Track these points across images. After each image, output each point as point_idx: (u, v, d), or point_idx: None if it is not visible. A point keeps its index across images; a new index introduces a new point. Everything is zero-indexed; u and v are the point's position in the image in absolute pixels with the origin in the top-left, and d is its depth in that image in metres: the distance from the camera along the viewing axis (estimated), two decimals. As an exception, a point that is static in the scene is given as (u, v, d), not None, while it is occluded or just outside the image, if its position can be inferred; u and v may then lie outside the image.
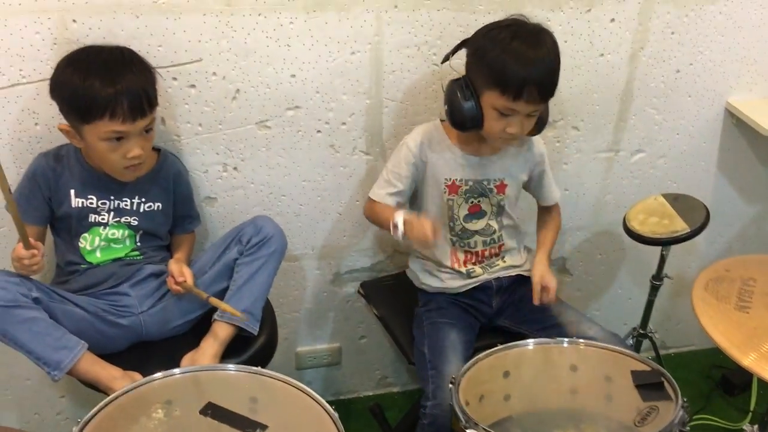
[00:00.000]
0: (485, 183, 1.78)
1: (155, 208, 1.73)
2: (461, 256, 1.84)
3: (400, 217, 1.63)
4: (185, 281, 1.67)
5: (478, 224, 1.81)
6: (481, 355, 1.56)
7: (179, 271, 1.68)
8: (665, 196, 2.01)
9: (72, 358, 1.54)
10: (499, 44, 1.61)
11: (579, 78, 1.99)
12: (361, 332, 2.29)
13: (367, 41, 1.81)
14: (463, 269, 1.84)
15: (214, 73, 1.77)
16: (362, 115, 1.91)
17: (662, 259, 2.01)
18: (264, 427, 1.36)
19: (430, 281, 1.87)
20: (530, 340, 1.60)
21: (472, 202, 1.79)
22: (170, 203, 1.76)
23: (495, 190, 1.79)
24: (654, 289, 2.07)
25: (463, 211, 1.79)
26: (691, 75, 2.05)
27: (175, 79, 1.76)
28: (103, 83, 1.51)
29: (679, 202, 1.98)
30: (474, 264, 1.85)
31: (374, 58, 1.84)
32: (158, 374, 1.43)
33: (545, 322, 1.81)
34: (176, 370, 1.45)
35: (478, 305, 1.86)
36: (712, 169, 2.23)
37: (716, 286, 1.43)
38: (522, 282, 1.88)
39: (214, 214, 1.97)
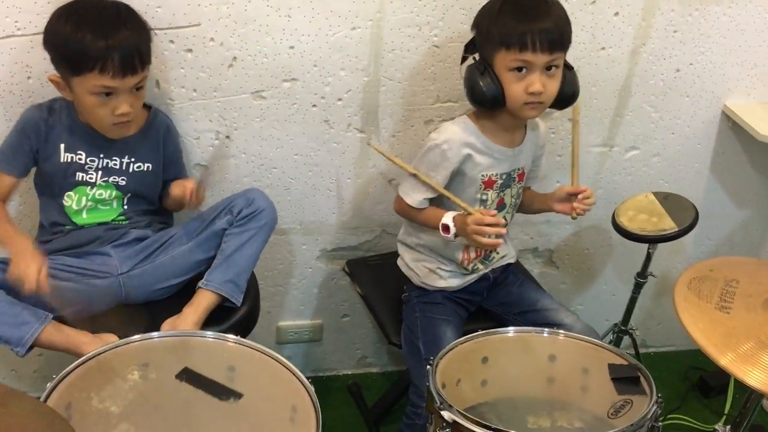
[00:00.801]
0: (512, 173, 1.77)
1: (145, 169, 1.72)
2: (472, 254, 1.82)
3: (450, 220, 1.67)
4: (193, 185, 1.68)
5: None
6: (461, 339, 1.56)
7: (181, 186, 1.69)
8: (656, 194, 2.01)
9: (32, 332, 1.53)
10: (496, 7, 1.62)
11: (579, 71, 1.94)
12: (344, 311, 2.29)
13: (368, 17, 1.80)
14: (470, 267, 1.83)
15: (212, 39, 1.76)
16: (359, 92, 1.90)
17: (648, 257, 2.01)
18: (239, 395, 1.36)
19: (430, 280, 1.83)
20: (510, 328, 1.61)
21: (501, 195, 1.78)
22: (160, 163, 1.75)
23: (517, 179, 1.79)
24: (638, 287, 2.07)
25: (493, 206, 1.77)
26: (691, 75, 2.05)
27: (172, 42, 1.74)
28: (95, 36, 1.50)
29: (669, 201, 1.98)
30: (478, 260, 1.84)
31: (375, 35, 1.83)
32: (136, 337, 1.42)
33: (523, 307, 1.82)
34: (154, 334, 1.44)
35: (472, 297, 1.86)
36: (704, 171, 2.23)
37: (699, 285, 1.43)
38: (509, 269, 1.90)
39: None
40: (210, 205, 1.80)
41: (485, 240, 1.62)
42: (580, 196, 1.74)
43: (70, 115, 1.65)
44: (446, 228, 1.67)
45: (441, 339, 1.74)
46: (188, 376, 1.39)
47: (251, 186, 1.94)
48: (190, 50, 1.76)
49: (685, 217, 1.91)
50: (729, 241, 2.39)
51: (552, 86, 1.64)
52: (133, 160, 1.70)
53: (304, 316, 2.28)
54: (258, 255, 1.74)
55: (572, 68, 1.70)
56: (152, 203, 1.79)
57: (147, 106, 1.73)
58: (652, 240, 1.91)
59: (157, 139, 1.73)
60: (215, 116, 1.86)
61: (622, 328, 2.15)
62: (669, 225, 1.90)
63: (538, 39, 1.57)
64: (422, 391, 1.63)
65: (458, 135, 1.70)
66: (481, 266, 1.85)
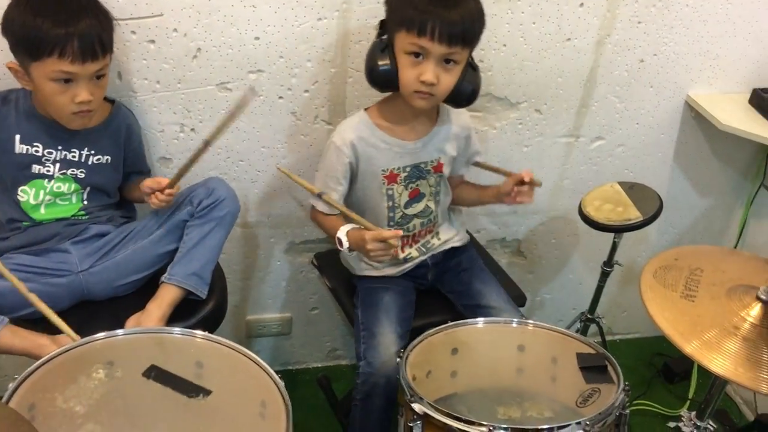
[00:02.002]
0: (422, 166, 1.75)
1: (104, 161, 1.68)
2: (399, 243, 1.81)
3: (343, 234, 1.65)
4: (164, 182, 1.63)
5: (417, 207, 1.79)
6: (431, 330, 1.57)
7: (154, 180, 1.64)
8: (621, 184, 2.03)
9: None
10: None
11: (545, 61, 1.98)
12: (313, 303, 2.28)
13: (334, 8, 1.78)
14: (401, 255, 1.82)
15: (175, 30, 1.72)
16: (326, 83, 1.88)
17: (614, 246, 2.04)
18: (208, 392, 1.34)
19: (367, 272, 1.84)
20: (480, 319, 1.62)
21: (411, 188, 1.76)
22: (120, 157, 1.71)
23: (432, 171, 1.77)
24: (604, 276, 2.10)
25: (404, 198, 1.77)
26: (655, 65, 2.07)
27: (133, 32, 1.70)
28: (55, 21, 1.46)
29: (634, 190, 2.01)
30: (411, 247, 1.83)
31: (341, 26, 1.81)
32: (100, 335, 1.39)
33: (470, 300, 1.82)
34: (119, 331, 1.42)
35: (414, 280, 1.87)
36: (668, 161, 2.27)
37: (664, 273, 1.45)
38: (454, 253, 1.90)
39: (168, 175, 1.91)
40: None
41: (381, 257, 1.60)
42: (525, 179, 1.72)
43: (27, 106, 1.61)
44: (340, 242, 1.66)
45: (378, 303, 1.75)
46: (155, 373, 1.36)
47: (217, 179, 1.91)
48: (152, 41, 1.73)
49: (650, 206, 1.94)
50: (692, 229, 2.43)
51: (447, 80, 1.59)
52: (93, 152, 1.66)
53: (273, 309, 2.26)
54: (221, 246, 1.71)
55: (477, 68, 1.66)
56: (112, 197, 1.75)
57: (110, 101, 1.70)
58: (618, 229, 1.93)
59: (119, 133, 1.70)
60: (179, 108, 1.83)
61: (589, 316, 2.17)
62: (634, 214, 1.92)
63: (438, 27, 1.51)
64: (360, 353, 1.69)
65: (351, 131, 1.70)
66: (416, 253, 1.83)
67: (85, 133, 1.64)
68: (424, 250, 1.85)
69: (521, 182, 1.73)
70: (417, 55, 1.56)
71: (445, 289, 1.88)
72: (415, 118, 1.72)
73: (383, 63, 1.60)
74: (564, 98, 2.07)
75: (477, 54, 1.90)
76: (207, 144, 1.57)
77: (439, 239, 1.87)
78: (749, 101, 2.12)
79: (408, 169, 1.74)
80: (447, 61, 1.57)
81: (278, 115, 1.90)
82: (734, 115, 2.06)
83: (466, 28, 1.55)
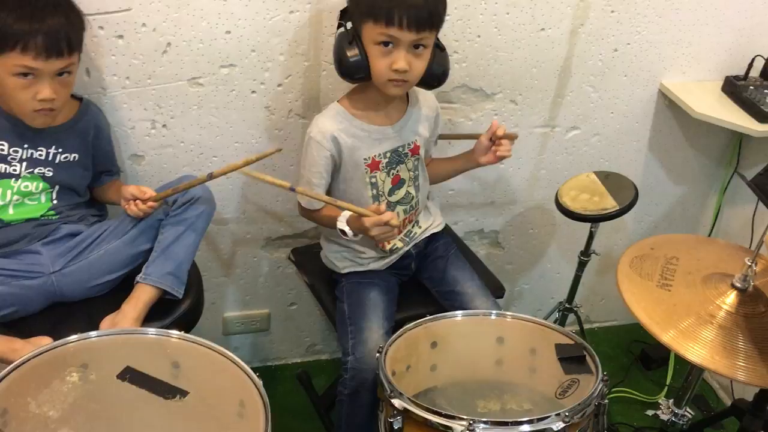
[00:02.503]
0: (401, 149, 1.75)
1: (71, 159, 1.65)
2: None
3: (344, 225, 1.64)
4: (150, 195, 1.61)
5: (399, 194, 1.79)
6: (409, 325, 1.56)
7: (139, 189, 1.61)
8: (597, 173, 2.04)
9: None
10: None
11: (519, 51, 1.98)
12: (291, 299, 2.27)
13: (306, 0, 1.76)
14: (387, 248, 1.81)
15: (144, 24, 1.69)
16: (299, 77, 1.86)
17: (591, 236, 2.04)
18: (185, 393, 1.33)
19: (351, 268, 1.83)
20: (458, 312, 1.61)
21: (393, 174, 1.76)
22: (89, 156, 1.68)
23: (410, 154, 1.76)
24: (581, 265, 2.11)
25: (387, 185, 1.76)
26: (628, 54, 2.07)
27: (101, 28, 1.67)
28: (20, 15, 1.43)
29: (609, 180, 2.01)
30: (396, 237, 1.81)
31: (314, 19, 1.79)
32: (73, 337, 1.37)
33: (445, 286, 1.83)
34: (92, 333, 1.39)
35: (400, 272, 1.86)
36: (643, 149, 2.28)
37: (640, 263, 1.46)
38: (434, 239, 1.90)
39: (141, 173, 1.89)
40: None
41: (387, 238, 1.67)
42: (498, 133, 1.73)
43: None
44: (343, 232, 1.65)
45: (365, 299, 1.75)
46: (130, 375, 1.34)
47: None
48: (121, 36, 1.69)
49: (626, 195, 1.95)
50: (668, 217, 2.45)
51: (418, 65, 1.59)
52: (60, 150, 1.63)
53: (251, 306, 2.24)
54: (197, 244, 1.69)
55: (444, 49, 1.66)
56: (82, 195, 1.72)
57: (78, 98, 1.67)
58: (594, 219, 1.94)
59: (87, 131, 1.66)
60: (150, 105, 1.80)
61: (567, 306, 2.18)
62: (610, 204, 1.93)
63: (405, 15, 1.51)
64: (347, 348, 1.69)
65: (330, 124, 1.68)
66: (400, 244, 1.83)
67: (52, 131, 1.60)
68: (407, 239, 1.84)
69: (496, 139, 1.74)
70: (386, 44, 1.55)
71: (423, 276, 1.89)
72: (388, 104, 1.71)
73: (353, 54, 1.58)
74: (539, 88, 2.06)
75: (451, 45, 1.91)
76: (211, 177, 1.59)
77: (419, 227, 1.87)
78: (722, 89, 2.13)
79: (388, 155, 1.73)
80: (416, 46, 1.57)
81: (251, 109, 1.87)
82: (707, 102, 2.07)
83: (432, 12, 1.55)
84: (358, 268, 1.82)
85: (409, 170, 1.78)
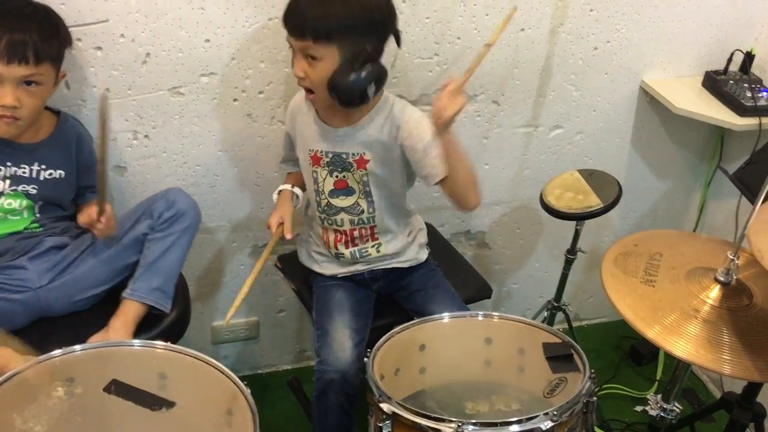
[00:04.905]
0: (344, 156, 1.69)
1: (57, 176, 1.64)
2: (331, 236, 1.79)
3: (275, 194, 1.82)
4: (93, 213, 1.57)
5: (345, 201, 1.74)
6: (397, 329, 1.56)
7: (86, 214, 1.59)
8: (581, 171, 2.04)
9: None
10: None
11: (500, 52, 1.98)
12: (280, 306, 2.26)
13: (285, 7, 1.75)
14: (333, 250, 1.80)
15: (122, 35, 1.69)
16: (281, 83, 1.86)
17: (576, 234, 2.05)
18: (171, 404, 1.32)
19: (310, 264, 1.87)
20: (446, 314, 1.61)
21: (336, 176, 1.72)
22: (73, 170, 1.67)
23: (355, 165, 1.69)
24: (568, 263, 2.11)
25: (329, 186, 1.73)
26: (608, 52, 2.08)
27: (79, 40, 1.66)
28: None
29: (593, 177, 2.02)
30: (345, 246, 1.79)
31: (293, 25, 1.78)
32: (57, 351, 1.36)
33: (414, 306, 1.80)
34: (77, 347, 1.38)
35: (363, 284, 1.84)
36: (626, 146, 2.29)
37: (625, 260, 1.46)
38: (402, 273, 1.83)
39: (124, 184, 1.88)
40: (128, 209, 1.73)
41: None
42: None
43: None
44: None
45: (330, 300, 1.77)
46: (117, 387, 1.34)
47: (175, 186, 1.88)
48: (99, 48, 1.69)
49: (610, 192, 1.95)
50: (653, 212, 2.46)
51: (313, 74, 1.55)
52: (43, 167, 1.62)
53: (239, 314, 2.21)
54: (183, 259, 1.69)
55: (372, 64, 1.54)
56: (67, 209, 1.71)
57: (56, 112, 1.66)
58: (579, 217, 1.94)
59: (69, 146, 1.65)
60: (131, 115, 1.79)
61: (555, 304, 2.19)
62: (594, 201, 1.93)
63: (290, 20, 1.54)
64: (316, 351, 1.70)
65: (294, 103, 1.77)
66: (348, 256, 1.78)
67: (33, 147, 1.60)
68: (358, 256, 1.79)
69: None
70: (293, 50, 1.59)
71: (409, 306, 1.83)
72: (343, 108, 1.64)
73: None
74: (521, 89, 2.07)
75: (431, 47, 1.91)
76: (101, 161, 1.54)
77: (378, 252, 1.79)
78: (702, 84, 2.15)
79: (330, 155, 1.70)
80: (309, 56, 1.54)
81: (233, 117, 1.87)
82: (688, 98, 2.08)
83: (314, 24, 1.50)
84: (313, 264, 1.85)
85: (357, 182, 1.72)
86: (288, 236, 1.74)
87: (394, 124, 1.66)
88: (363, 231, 1.78)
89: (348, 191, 1.73)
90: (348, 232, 1.77)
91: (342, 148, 1.69)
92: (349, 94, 1.55)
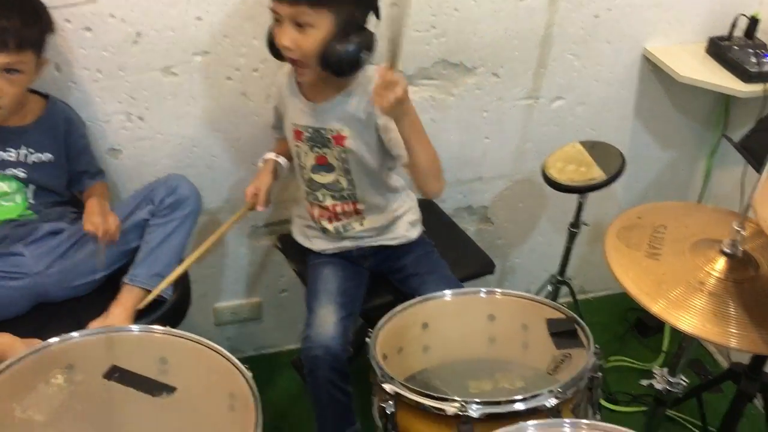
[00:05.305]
0: (323, 132, 1.66)
1: (45, 160, 1.62)
2: (316, 211, 1.78)
3: (260, 161, 1.80)
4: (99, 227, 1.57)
5: (326, 177, 1.72)
6: (398, 307, 1.54)
7: (92, 225, 1.58)
8: (583, 143, 2.01)
9: None
10: None
11: (499, 23, 1.94)
12: (282, 286, 2.25)
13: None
14: (318, 225, 1.79)
15: (112, 15, 1.65)
16: (275, 61, 1.80)
17: (579, 207, 2.02)
18: (172, 389, 1.31)
19: (302, 240, 1.85)
20: (448, 291, 1.59)
21: (317, 152, 1.69)
22: (62, 154, 1.65)
23: (333, 141, 1.66)
24: (572, 237, 2.09)
25: (310, 161, 1.71)
26: (610, 20, 2.03)
27: (68, 21, 1.63)
28: None
29: (596, 149, 1.99)
30: (328, 221, 1.77)
31: (286, 0, 1.75)
32: (55, 339, 1.35)
33: (410, 290, 1.75)
34: (75, 333, 1.37)
35: (355, 261, 1.82)
36: (629, 116, 2.25)
37: (628, 233, 1.43)
38: (394, 253, 1.81)
39: (119, 167, 1.86)
40: (124, 192, 1.72)
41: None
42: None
43: None
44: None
45: (317, 279, 1.76)
46: (117, 374, 1.33)
47: (171, 168, 1.86)
48: (89, 29, 1.65)
49: (613, 164, 1.92)
50: (657, 182, 2.43)
51: (304, 44, 1.49)
52: (31, 151, 1.60)
53: (241, 295, 2.22)
54: (185, 245, 1.68)
55: (361, 32, 1.51)
56: (61, 195, 1.69)
57: (44, 96, 1.63)
58: (582, 190, 1.92)
59: (57, 130, 1.63)
60: (124, 97, 1.76)
61: (559, 278, 2.16)
62: (597, 174, 1.90)
63: None
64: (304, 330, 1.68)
65: (282, 79, 1.72)
66: (332, 231, 1.77)
67: (20, 131, 1.57)
68: (342, 231, 1.78)
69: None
70: (277, 20, 1.52)
71: (404, 289, 1.81)
72: (324, 82, 1.62)
73: (269, 35, 1.57)
74: (521, 60, 2.03)
75: (428, 20, 1.87)
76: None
77: (362, 225, 1.77)
78: (706, 50, 2.10)
79: (310, 131, 1.68)
80: (300, 24, 1.49)
81: (228, 97, 1.84)
82: (692, 65, 2.04)
83: None
84: (305, 241, 1.84)
85: (336, 159, 1.69)
86: (260, 208, 1.72)
87: (371, 101, 1.60)
88: (345, 207, 1.76)
89: (328, 168, 1.71)
90: (330, 207, 1.76)
91: (321, 124, 1.66)
92: (347, 63, 1.52)
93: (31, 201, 1.62)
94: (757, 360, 1.65)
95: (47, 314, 1.61)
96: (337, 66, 1.52)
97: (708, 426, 1.97)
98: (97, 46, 1.68)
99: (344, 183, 1.72)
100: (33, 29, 1.49)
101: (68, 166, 1.68)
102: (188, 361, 1.38)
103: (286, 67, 1.68)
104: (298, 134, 1.69)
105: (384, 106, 1.43)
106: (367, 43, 1.52)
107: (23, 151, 1.59)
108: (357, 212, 1.77)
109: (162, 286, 1.61)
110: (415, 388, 1.32)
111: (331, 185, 1.72)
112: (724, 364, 2.36)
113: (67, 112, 1.66)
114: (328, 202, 1.75)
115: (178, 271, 1.64)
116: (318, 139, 1.68)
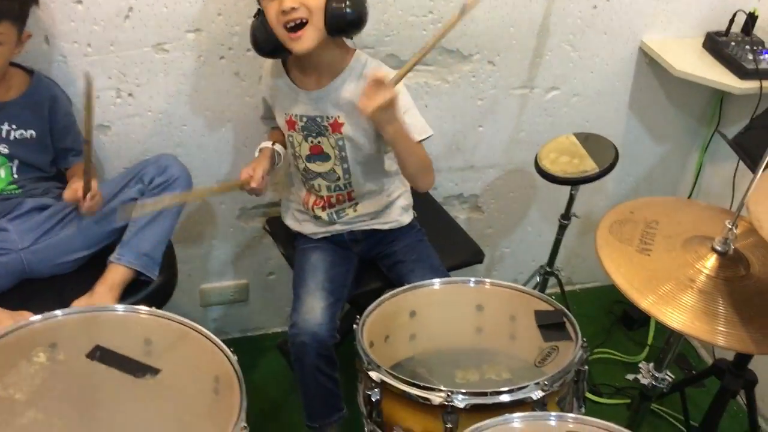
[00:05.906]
0: (319, 120, 1.65)
1: (28, 136, 1.59)
2: (311, 199, 1.77)
3: (257, 152, 1.74)
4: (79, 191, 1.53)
5: (322, 167, 1.71)
6: (386, 295, 1.53)
7: (71, 191, 1.54)
8: (576, 135, 2.00)
9: None
10: None
11: (496, 11, 1.92)
12: (270, 268, 2.23)
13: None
14: (311, 213, 1.78)
15: (103, -12, 1.62)
16: (269, 41, 1.80)
17: (571, 199, 2.01)
18: (156, 371, 1.30)
19: (291, 224, 1.84)
20: (436, 280, 1.58)
21: (312, 142, 1.68)
22: (46, 131, 1.62)
23: (330, 129, 1.65)
24: (562, 228, 2.08)
25: (305, 150, 1.70)
26: (608, 11, 2.02)
27: (58, -8, 1.60)
28: None
29: (589, 141, 1.98)
30: (322, 209, 1.76)
31: (282, -20, 1.72)
32: (38, 316, 1.33)
33: (398, 278, 1.75)
34: (58, 312, 1.35)
35: (344, 246, 1.81)
36: (623, 109, 2.24)
37: (620, 228, 1.43)
38: (385, 238, 1.80)
39: (108, 144, 1.84)
40: (118, 173, 1.69)
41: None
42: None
43: None
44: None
45: (305, 264, 1.75)
46: (101, 354, 1.31)
47: (160, 146, 1.84)
48: (79, 1, 1.62)
49: (606, 157, 1.91)
50: (649, 177, 2.42)
51: (311, 1, 1.46)
52: (13, 127, 1.57)
53: (228, 276, 2.20)
54: (174, 226, 1.66)
55: None
56: (46, 170, 1.67)
57: (29, 72, 1.60)
58: (574, 182, 1.91)
59: (41, 106, 1.60)
60: (114, 72, 1.73)
61: (548, 269, 2.16)
62: (590, 166, 1.90)
63: None
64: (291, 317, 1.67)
65: (268, 68, 1.69)
66: (325, 218, 1.77)
67: (1, 106, 1.54)
68: (336, 218, 1.77)
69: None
70: None
71: (393, 276, 1.80)
72: (315, 69, 1.62)
73: (255, 26, 1.53)
74: (517, 49, 2.01)
75: (426, 5, 1.85)
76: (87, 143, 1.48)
77: (355, 211, 1.77)
78: (703, 45, 2.09)
79: (305, 120, 1.66)
80: None
81: (221, 76, 1.81)
82: (688, 60, 2.03)
83: None
84: (294, 224, 1.83)
85: (332, 147, 1.67)
86: (253, 185, 1.65)
87: (359, 84, 1.61)
88: (340, 196, 1.76)
89: (324, 157, 1.70)
90: (326, 197, 1.75)
91: (316, 112, 1.65)
92: (354, 16, 1.49)
93: (15, 176, 1.60)
94: (742, 357, 1.66)
95: (31, 291, 1.59)
96: (343, 20, 1.49)
97: (690, 420, 1.98)
98: (87, 19, 1.64)
99: (340, 172, 1.71)
100: (12, 3, 1.46)
101: (53, 143, 1.65)
102: (173, 342, 1.36)
103: (269, 62, 1.68)
104: (291, 124, 1.67)
105: (366, 106, 1.44)
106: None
107: (5, 126, 1.56)
108: (350, 199, 1.76)
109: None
110: (401, 376, 1.31)
111: (327, 175, 1.72)
112: (708, 360, 2.37)
113: (52, 88, 1.63)
114: (324, 192, 1.74)
115: (159, 206, 1.60)
116: (313, 127, 1.66)
